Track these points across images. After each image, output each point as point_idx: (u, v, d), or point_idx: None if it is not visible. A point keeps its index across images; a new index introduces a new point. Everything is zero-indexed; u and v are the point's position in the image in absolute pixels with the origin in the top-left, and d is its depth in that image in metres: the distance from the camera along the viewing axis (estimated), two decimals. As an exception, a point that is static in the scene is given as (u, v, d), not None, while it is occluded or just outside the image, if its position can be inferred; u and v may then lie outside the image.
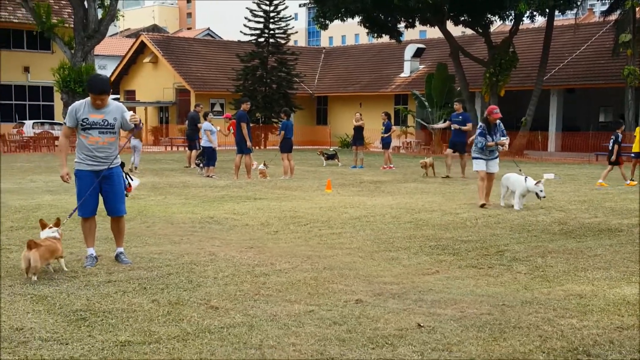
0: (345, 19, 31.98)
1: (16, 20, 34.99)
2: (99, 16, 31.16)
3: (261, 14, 36.64)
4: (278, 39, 37.12)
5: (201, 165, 18.83)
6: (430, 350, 4.49)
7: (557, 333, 4.86)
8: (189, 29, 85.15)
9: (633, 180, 16.74)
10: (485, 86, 31.42)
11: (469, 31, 37.43)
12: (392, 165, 21.71)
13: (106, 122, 6.77)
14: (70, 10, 34.46)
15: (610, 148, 16.99)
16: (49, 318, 5.14)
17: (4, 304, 5.46)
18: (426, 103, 33.81)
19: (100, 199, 7.05)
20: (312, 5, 34.45)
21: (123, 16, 33.93)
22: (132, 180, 7.66)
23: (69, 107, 6.90)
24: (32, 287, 5.99)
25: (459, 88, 32.96)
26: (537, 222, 10.33)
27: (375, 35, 33.79)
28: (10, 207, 11.16)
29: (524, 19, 31.12)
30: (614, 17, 31.16)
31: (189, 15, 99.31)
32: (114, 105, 6.88)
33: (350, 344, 4.60)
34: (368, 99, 40.59)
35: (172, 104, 40.84)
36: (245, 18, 36.80)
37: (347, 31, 79.69)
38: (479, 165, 12.12)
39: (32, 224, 9.44)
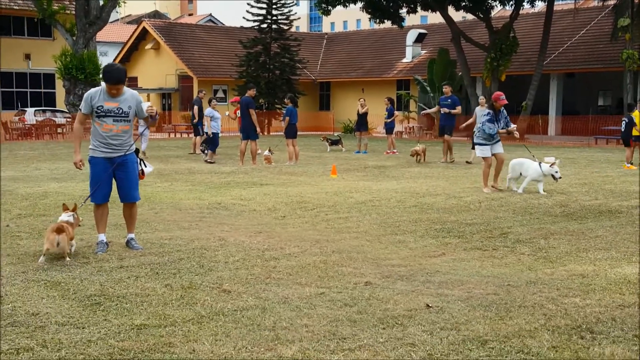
0: (347, 4, 31.97)
1: (17, 7, 34.98)
2: (101, 2, 31.14)
3: (264, -1, 36.62)
4: (281, 25, 37.09)
5: (206, 151, 18.94)
6: (439, 329, 4.62)
7: (561, 311, 4.99)
8: (190, 15, 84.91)
9: (632, 163, 16.84)
10: (486, 71, 31.48)
11: (469, 16, 37.42)
12: (395, 150, 21.82)
13: (121, 110, 6.86)
14: (71, -3, 34.48)
15: (623, 130, 17.08)
16: (64, 303, 5.26)
17: (18, 290, 5.58)
18: (428, 88, 33.86)
19: (114, 185, 7.15)
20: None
21: (125, 2, 33.85)
22: (145, 166, 7.78)
23: (85, 94, 6.98)
24: (45, 273, 6.12)
25: (460, 73, 33.02)
26: (539, 204, 10.46)
27: (378, 20, 33.77)
28: (17, 194, 11.28)
29: (524, 3, 31.12)
30: (612, 1, 31.14)
31: (190, 1, 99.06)
32: (129, 94, 6.96)
33: (361, 325, 4.72)
34: (370, 85, 40.61)
35: (175, 91, 40.88)
36: (248, 4, 36.77)
37: (349, 17, 79.53)
38: (484, 152, 12.08)
39: (40, 211, 9.60)
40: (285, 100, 18.55)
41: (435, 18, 51.88)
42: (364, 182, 13.64)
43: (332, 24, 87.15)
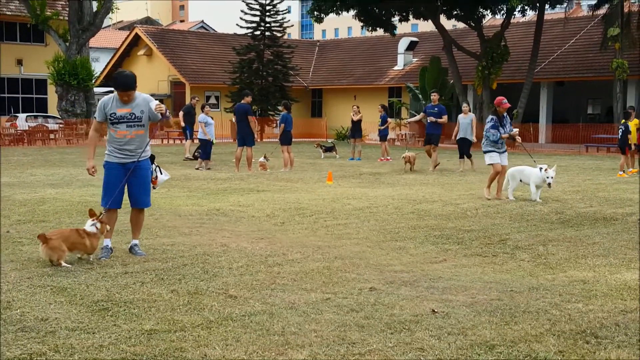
0: (340, 12, 32.12)
1: (9, 13, 34.91)
2: (94, 8, 31.15)
3: (257, 7, 36.70)
4: (274, 32, 37.19)
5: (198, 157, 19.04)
6: (447, 334, 4.69)
7: (565, 317, 5.08)
8: (181, 21, 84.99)
9: (624, 171, 17.01)
10: (477, 79, 31.72)
11: (460, 25, 37.67)
12: (389, 157, 21.92)
13: (133, 116, 6.91)
14: (63, 2, 34.46)
15: (619, 137, 17.20)
16: (72, 309, 5.28)
17: (25, 296, 5.60)
18: (420, 96, 34.02)
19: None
20: (307, -1, 34.62)
21: (118, 9, 33.90)
22: (161, 173, 7.82)
23: (99, 102, 7.07)
24: (51, 279, 6.14)
25: (452, 81, 33.21)
26: (535, 211, 10.57)
27: (370, 28, 33.94)
28: (15, 200, 11.28)
29: (515, 12, 31.39)
30: (602, 11, 31.45)
31: (182, 7, 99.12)
32: (141, 98, 7.00)
33: (369, 330, 4.79)
34: (362, 92, 40.76)
35: (167, 97, 40.86)
36: (242, 11, 36.87)
37: (340, 24, 79.81)
38: (493, 159, 11.91)
39: (40, 217, 9.60)
40: (279, 107, 18.59)
41: (426, 26, 52.22)
42: (360, 188, 13.72)
43: (324, 31, 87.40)
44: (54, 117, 33.50)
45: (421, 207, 11.03)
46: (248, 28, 37.04)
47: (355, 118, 22.74)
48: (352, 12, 33.14)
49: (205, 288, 5.90)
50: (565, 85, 34.96)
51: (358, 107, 23.17)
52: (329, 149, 23.76)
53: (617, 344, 4.50)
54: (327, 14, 32.42)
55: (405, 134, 36.17)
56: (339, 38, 63.16)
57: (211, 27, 59.02)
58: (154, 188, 7.54)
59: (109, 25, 63.45)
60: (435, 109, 18.23)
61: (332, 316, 5.10)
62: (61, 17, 32.12)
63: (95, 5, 31.42)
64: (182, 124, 21.12)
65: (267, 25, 36.88)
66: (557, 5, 31.21)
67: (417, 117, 21.62)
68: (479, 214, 10.31)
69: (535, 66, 31.71)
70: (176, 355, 4.33)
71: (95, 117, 7.11)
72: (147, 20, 65.72)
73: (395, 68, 40.37)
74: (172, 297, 5.61)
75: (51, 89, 33.85)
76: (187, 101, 29.31)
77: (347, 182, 15.04)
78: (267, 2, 36.66)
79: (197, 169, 17.76)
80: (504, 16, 32.03)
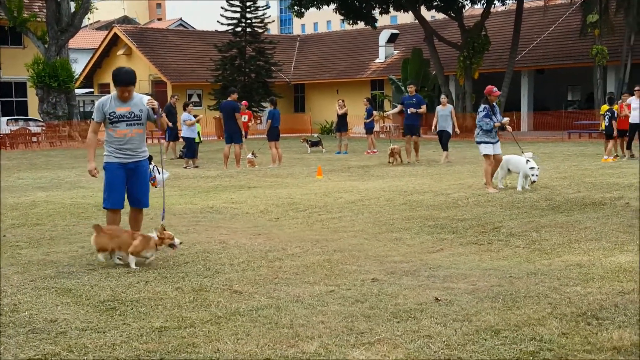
0: (320, 6, 32.16)
1: (-14, 17, 34.56)
2: (72, 9, 30.94)
3: (237, 3, 36.64)
4: (255, 28, 37.16)
5: (184, 157, 19.06)
6: (452, 321, 4.79)
7: (565, 300, 5.21)
8: (159, 19, 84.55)
9: (608, 157, 17.26)
10: (459, 69, 31.95)
11: (439, 15, 37.87)
12: (375, 150, 22.04)
13: (132, 114, 6.95)
14: (40, 4, 34.17)
15: (607, 124, 17.34)
16: (80, 309, 5.33)
17: (31, 298, 5.63)
18: (403, 88, 34.15)
19: None
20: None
21: (97, 9, 33.70)
22: (159, 173, 7.85)
23: (96, 103, 7.07)
24: (54, 281, 6.17)
25: (434, 72, 33.40)
26: (525, 199, 10.72)
27: (351, 22, 34.01)
28: (6, 204, 11.25)
29: (495, 2, 31.62)
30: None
31: (159, 5, 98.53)
32: (138, 97, 7.06)
33: (376, 319, 4.88)
34: (345, 85, 40.85)
35: (149, 96, 40.67)
36: (222, 8, 36.79)
37: (320, 18, 79.84)
38: (487, 149, 11.84)
39: (33, 221, 9.60)
40: (264, 103, 18.64)
41: (405, 18, 52.35)
42: (350, 182, 13.82)
43: (303, 25, 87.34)
44: (34, 120, 33.27)
45: (412, 198, 11.15)
46: (229, 25, 36.98)
47: (340, 112, 22.84)
48: (332, 6, 33.20)
49: (209, 285, 5.96)
50: (545, 72, 35.28)
51: (343, 101, 23.28)
52: (315, 144, 23.85)
53: (617, 324, 4.63)
54: (307, 8, 32.47)
55: (389, 126, 36.32)
56: (319, 32, 63.22)
57: (190, 25, 58.77)
58: (154, 187, 7.57)
59: (86, 26, 62.95)
60: (414, 99, 18.13)
61: (337, 307, 5.19)
62: (39, 19, 31.87)
63: (73, 5, 31.20)
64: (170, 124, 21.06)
65: (248, 21, 36.86)
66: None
67: (395, 110, 21.58)
68: (470, 203, 10.45)
69: (515, 55, 31.99)
70: (189, 350, 4.40)
71: (93, 118, 7.09)
72: (125, 20, 65.32)
73: (377, 61, 40.49)
74: (177, 295, 5.67)
75: (31, 92, 33.60)
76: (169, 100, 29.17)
77: (336, 176, 15.14)
78: (247, -2, 36.64)
79: (185, 167, 17.77)
80: (484, 5, 32.28)
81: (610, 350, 4.19)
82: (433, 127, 18.40)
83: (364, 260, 6.76)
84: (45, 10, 31.49)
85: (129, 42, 40.04)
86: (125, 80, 6.89)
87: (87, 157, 7.25)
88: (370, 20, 33.98)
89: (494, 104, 11.99)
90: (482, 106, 11.91)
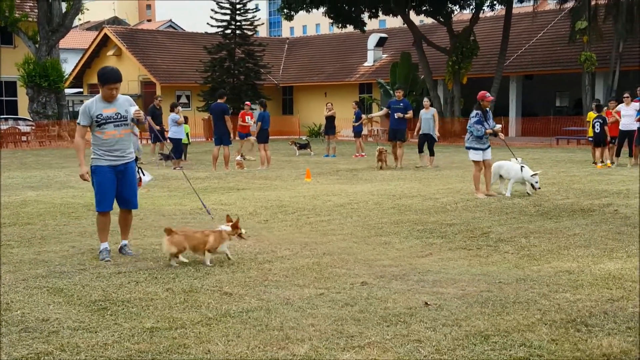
0: (310, 9, 32.20)
1: (-25, 15, 34.33)
2: (63, 9, 30.83)
3: (227, 5, 36.64)
4: (245, 31, 37.17)
5: (162, 158, 19.05)
6: (442, 325, 4.83)
7: (554, 306, 5.25)
8: (149, 20, 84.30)
9: (597, 163, 17.40)
10: (448, 74, 32.09)
11: (428, 20, 38.06)
12: (364, 154, 22.09)
13: (119, 115, 6.95)
14: (31, 4, 34.04)
15: (598, 131, 17.39)
16: (71, 309, 5.33)
17: (23, 297, 5.62)
18: (391, 92, 34.24)
19: None
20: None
21: (88, 9, 33.60)
22: (143, 175, 7.86)
23: (81, 107, 7.01)
24: (46, 281, 6.17)
25: (422, 76, 33.52)
26: (514, 204, 10.79)
27: (340, 25, 34.08)
28: (-4, 203, 11.20)
29: (484, 7, 31.80)
30: (569, 4, 31.97)
31: (149, 7, 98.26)
32: (123, 98, 7.07)
33: (365, 323, 4.91)
34: (333, 89, 40.94)
35: (138, 97, 40.55)
36: (212, 10, 36.79)
37: (309, 21, 79.84)
38: (477, 155, 11.78)
39: (24, 220, 9.57)
40: (254, 106, 18.64)
41: (394, 22, 52.55)
42: (339, 185, 13.85)
43: (292, 28, 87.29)
44: (24, 119, 33.11)
45: (401, 202, 11.19)
46: (218, 27, 36.98)
47: (327, 114, 22.88)
48: (321, 9, 33.25)
49: (199, 286, 5.97)
50: (534, 78, 35.50)
51: (331, 104, 23.36)
52: (303, 146, 23.89)
53: (607, 331, 4.68)
54: (297, 11, 32.49)
55: (377, 130, 36.42)
56: (308, 35, 63.25)
57: (179, 26, 58.66)
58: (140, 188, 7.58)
59: (76, 26, 62.75)
60: (400, 104, 18.02)
61: (327, 311, 5.21)
62: (30, 19, 31.74)
63: (64, 6, 31.09)
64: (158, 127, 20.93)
65: (238, 23, 36.87)
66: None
67: (381, 113, 21.55)
68: (459, 208, 10.50)
69: (504, 60, 32.16)
70: (180, 351, 4.41)
71: (79, 123, 7.01)
72: (115, 20, 65.11)
73: (366, 64, 40.62)
74: (168, 296, 5.68)
75: (21, 91, 33.44)
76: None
77: (325, 179, 15.17)
78: (237, 0, 36.64)
79: (175, 169, 17.74)
80: (473, 11, 32.44)
81: (599, 357, 4.24)
82: (415, 132, 18.23)
83: (353, 263, 6.79)
84: (36, 10, 31.34)
85: (119, 43, 39.94)
86: (113, 77, 6.89)
87: (78, 161, 7.18)
88: (359, 24, 34.06)
89: (487, 109, 11.91)
90: (474, 112, 11.80)
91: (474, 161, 11.94)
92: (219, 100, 17.13)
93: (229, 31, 36.80)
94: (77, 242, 7.91)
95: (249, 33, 37.55)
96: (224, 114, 16.75)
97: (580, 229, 8.63)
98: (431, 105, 18.27)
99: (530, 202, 10.93)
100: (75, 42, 53.21)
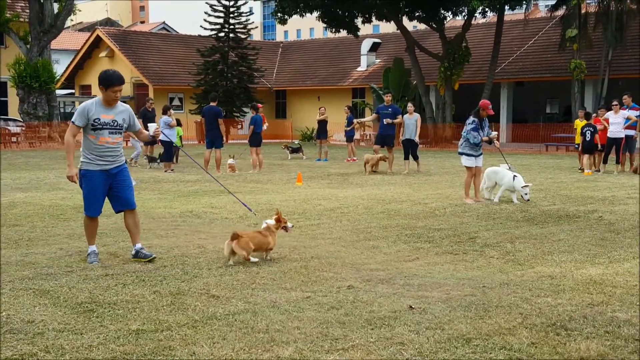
0: (304, 13, 32.30)
1: (-33, 15, 34.26)
2: (55, 10, 30.82)
3: (221, 8, 36.71)
4: (238, 34, 37.24)
5: (158, 160, 19.06)
6: (425, 329, 4.89)
7: (535, 310, 5.33)
8: (142, 22, 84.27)
9: (586, 170, 17.53)
10: (440, 80, 32.25)
11: (421, 26, 38.23)
12: (355, 158, 22.16)
13: (115, 123, 6.94)
14: (23, 4, 34.00)
15: (589, 139, 17.48)
16: (57, 311, 5.36)
17: (9, 299, 5.65)
18: (384, 97, 34.37)
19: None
20: (269, -1, 34.76)
21: (80, 10, 33.58)
22: None
23: (80, 107, 6.95)
24: (32, 282, 6.19)
25: (415, 82, 33.66)
26: (501, 210, 10.88)
27: (333, 30, 34.20)
28: (-16, 205, 11.20)
29: (476, 14, 31.99)
30: (560, 12, 32.20)
31: (142, 8, 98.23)
32: (124, 107, 7.07)
33: (350, 326, 4.97)
34: (326, 93, 41.02)
35: (130, 99, 40.54)
36: (205, 13, 36.85)
37: (303, 25, 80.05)
38: (469, 161, 11.83)
39: (12, 222, 9.59)
40: (244, 108, 18.69)
41: (387, 27, 52.70)
42: (330, 189, 13.92)
43: (286, 32, 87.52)
44: (14, 120, 33.05)
45: (390, 206, 11.27)
46: (212, 30, 37.03)
47: (319, 118, 22.97)
48: (315, 14, 33.36)
49: (187, 288, 6.02)
50: (525, 85, 35.71)
51: (324, 109, 23.45)
52: (295, 150, 23.95)
53: (585, 335, 4.76)
54: (290, 15, 32.56)
55: (370, 134, 36.51)
56: (302, 39, 63.46)
57: (173, 29, 58.66)
58: None
59: (69, 27, 62.65)
60: (389, 109, 18.03)
61: (313, 314, 5.27)
62: (22, 19, 31.70)
63: (56, 6, 31.07)
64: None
65: (231, 27, 36.92)
66: (517, 7, 31.87)
67: (370, 118, 21.58)
68: (447, 213, 10.59)
69: (495, 67, 32.35)
70: (165, 353, 4.45)
71: (73, 122, 6.94)
72: (108, 22, 65.04)
73: (359, 69, 40.75)
74: (155, 298, 5.72)
75: (12, 92, 33.37)
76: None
77: (316, 183, 15.24)
78: (231, 3, 36.71)
79: (166, 171, 17.76)
80: (465, 17, 32.61)
81: (577, 360, 4.32)
82: (401, 136, 18.21)
83: (341, 267, 6.85)
84: (28, 11, 31.32)
85: (112, 45, 39.92)
86: (117, 79, 6.86)
87: (67, 162, 7.11)
88: (353, 29, 34.19)
89: (485, 118, 11.87)
90: (472, 119, 11.77)
91: (466, 167, 12.00)
92: (211, 104, 17.19)
93: (222, 34, 36.84)
94: (65, 244, 7.94)
95: (243, 36, 37.61)
96: (217, 117, 16.81)
97: (565, 234, 8.73)
98: (415, 111, 18.13)
99: (517, 208, 11.02)
100: (67, 43, 53.15)
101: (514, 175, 11.76)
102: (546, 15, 36.80)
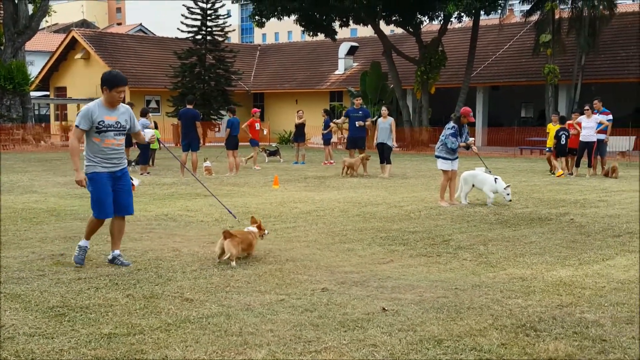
0: (281, 17, 32.31)
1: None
2: (30, 11, 30.53)
3: (198, 11, 36.61)
4: (215, 37, 37.17)
5: (133, 162, 18.94)
6: (397, 330, 4.94)
7: (506, 312, 5.40)
8: (119, 24, 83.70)
9: (556, 171, 17.78)
10: (416, 84, 32.43)
11: (398, 30, 38.45)
12: (332, 161, 22.21)
13: (119, 124, 6.90)
14: (-3, 6, 33.64)
15: (563, 142, 17.72)
16: (28, 315, 5.32)
17: (-21, 303, 5.61)
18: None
19: None
20: (246, 2, 34.68)
21: (55, 11, 33.29)
22: (132, 179, 7.89)
23: (83, 110, 6.82)
24: (3, 286, 6.14)
25: (392, 85, 33.82)
26: (475, 212, 10.99)
27: (311, 33, 34.26)
28: (-44, 208, 11.07)
29: (452, 19, 32.25)
30: (534, 17, 32.55)
31: (119, 10, 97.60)
32: (125, 108, 7.03)
33: (323, 328, 5.00)
34: (304, 96, 41.06)
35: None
36: (183, 15, 36.72)
37: (281, 28, 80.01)
38: (445, 165, 11.97)
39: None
40: (222, 111, 18.68)
41: (365, 31, 52.79)
42: (306, 192, 13.94)
43: (264, 35, 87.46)
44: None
45: (366, 209, 11.32)
46: (189, 32, 36.93)
47: (297, 122, 23.00)
48: (293, 17, 33.38)
49: (160, 292, 6.00)
50: (500, 89, 36.05)
51: (302, 112, 23.51)
52: (272, 153, 23.96)
53: (554, 336, 4.84)
54: (268, 18, 32.55)
55: (347, 137, 36.56)
56: (279, 42, 63.43)
57: (150, 31, 58.37)
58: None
59: (44, 28, 62.08)
60: (360, 112, 18.20)
61: (287, 316, 5.29)
62: (-5, 21, 31.39)
63: (31, 7, 30.78)
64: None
65: (209, 29, 36.85)
66: (492, 12, 32.18)
67: (339, 120, 21.73)
68: (422, 216, 10.66)
69: (471, 71, 32.61)
70: (137, 357, 4.45)
71: (77, 126, 6.79)
72: (84, 23, 64.55)
73: (336, 72, 40.86)
74: (128, 302, 5.70)
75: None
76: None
77: (293, 186, 15.25)
78: (209, 6, 36.64)
79: (142, 174, 17.68)
80: (441, 22, 32.85)
81: (545, 360, 4.38)
82: (374, 141, 18.26)
83: (315, 270, 6.88)
84: (1, 12, 30.99)
85: (87, 46, 39.60)
86: (122, 80, 6.83)
87: (74, 166, 6.96)
88: (331, 33, 34.28)
89: (465, 125, 11.98)
90: (452, 124, 11.88)
91: (442, 170, 12.11)
92: (188, 106, 17.13)
93: (199, 37, 36.77)
94: (37, 248, 7.87)
95: (220, 39, 37.55)
96: (194, 119, 16.76)
97: (537, 237, 8.84)
98: (388, 115, 18.13)
99: (491, 211, 11.14)
100: (42, 44, 52.69)
101: (495, 178, 11.88)
102: (521, 20, 37.16)
